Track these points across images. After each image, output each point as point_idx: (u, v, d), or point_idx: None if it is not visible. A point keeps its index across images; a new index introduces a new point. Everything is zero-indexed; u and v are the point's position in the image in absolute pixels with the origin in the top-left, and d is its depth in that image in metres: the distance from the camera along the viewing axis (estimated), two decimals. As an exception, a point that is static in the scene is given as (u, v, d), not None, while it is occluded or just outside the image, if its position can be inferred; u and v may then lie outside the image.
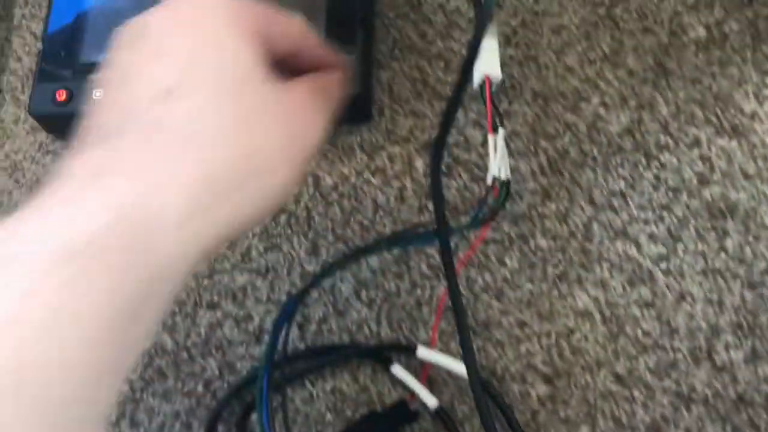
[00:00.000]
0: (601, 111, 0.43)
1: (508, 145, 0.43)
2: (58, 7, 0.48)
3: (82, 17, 0.47)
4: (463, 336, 0.39)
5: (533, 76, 0.45)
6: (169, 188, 0.23)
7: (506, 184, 0.36)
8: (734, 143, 0.42)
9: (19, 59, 0.53)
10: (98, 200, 0.22)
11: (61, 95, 0.44)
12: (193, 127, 0.25)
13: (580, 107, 0.44)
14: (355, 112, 0.44)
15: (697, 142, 0.42)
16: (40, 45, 0.51)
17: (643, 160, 0.42)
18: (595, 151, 0.43)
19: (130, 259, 0.22)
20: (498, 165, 0.36)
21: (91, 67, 0.46)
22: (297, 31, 0.30)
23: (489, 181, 0.36)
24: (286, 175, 0.27)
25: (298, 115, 0.28)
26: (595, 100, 0.44)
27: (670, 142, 0.42)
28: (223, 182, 0.25)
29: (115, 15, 0.47)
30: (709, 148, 0.42)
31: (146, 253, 0.22)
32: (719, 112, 0.42)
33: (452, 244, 0.41)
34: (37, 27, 0.53)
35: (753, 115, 0.42)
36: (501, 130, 0.37)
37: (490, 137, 0.37)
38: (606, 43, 0.45)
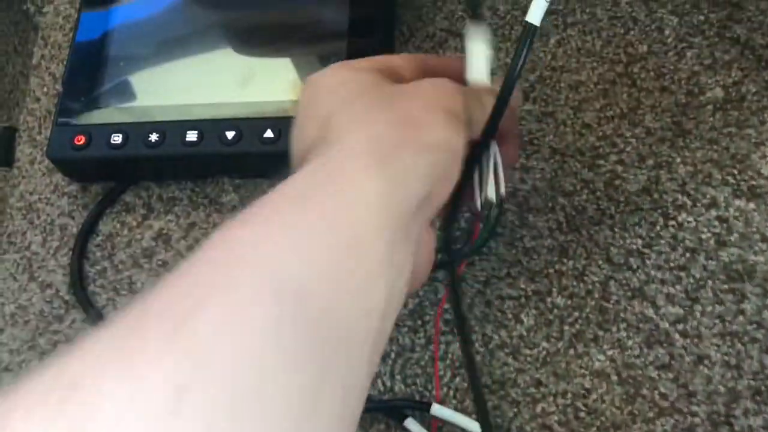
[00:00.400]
0: (619, 169, 0.43)
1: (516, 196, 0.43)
2: (79, 52, 0.48)
3: (103, 63, 0.47)
4: (477, 394, 0.39)
5: (551, 133, 0.45)
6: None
7: (497, 206, 0.34)
8: (752, 205, 0.42)
9: (38, 99, 0.53)
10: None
11: (80, 140, 0.45)
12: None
13: (598, 164, 0.44)
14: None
15: (714, 203, 0.42)
16: (59, 87, 0.51)
17: (661, 220, 0.42)
18: (613, 209, 0.43)
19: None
20: (489, 185, 0.34)
21: (110, 113, 0.46)
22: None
23: (478, 204, 0.34)
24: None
25: None
26: (613, 157, 0.44)
27: (688, 202, 0.42)
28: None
29: (134, 62, 0.48)
30: (727, 210, 0.42)
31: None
32: (736, 173, 0.42)
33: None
34: (57, 68, 0.53)
35: (770, 178, 0.42)
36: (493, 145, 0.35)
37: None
38: (623, 101, 0.45)
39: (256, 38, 0.49)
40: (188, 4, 0.50)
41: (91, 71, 0.47)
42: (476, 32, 0.34)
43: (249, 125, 0.44)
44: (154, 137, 0.44)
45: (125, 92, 0.47)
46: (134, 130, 0.45)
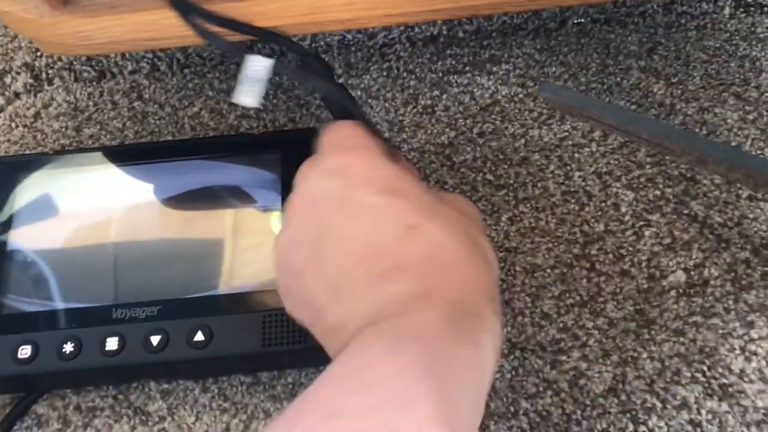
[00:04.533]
0: (583, 366, 0.40)
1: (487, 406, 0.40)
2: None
3: (5, 256, 0.42)
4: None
5: (509, 324, 0.42)
6: None
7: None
8: (724, 406, 0.39)
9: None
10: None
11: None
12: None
13: (560, 361, 0.41)
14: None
15: (685, 404, 0.39)
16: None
17: (630, 426, 0.39)
18: (579, 414, 0.39)
19: None
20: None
21: (16, 319, 0.41)
22: None
23: None
24: None
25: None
26: (576, 353, 0.41)
27: (657, 403, 0.39)
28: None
29: (43, 255, 0.43)
30: (699, 412, 0.39)
31: None
32: (706, 370, 0.40)
33: None
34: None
35: (741, 374, 0.40)
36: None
37: None
38: (583, 287, 0.42)
39: (187, 202, 0.45)
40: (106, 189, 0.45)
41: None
42: None
43: (176, 328, 0.40)
44: (68, 348, 0.40)
45: (33, 292, 0.42)
46: (45, 340, 0.40)
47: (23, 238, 0.43)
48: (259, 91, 0.34)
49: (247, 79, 0.33)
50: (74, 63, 0.52)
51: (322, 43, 0.52)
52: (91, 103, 0.51)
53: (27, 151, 0.50)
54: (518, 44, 0.51)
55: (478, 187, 0.46)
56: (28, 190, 0.45)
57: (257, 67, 0.33)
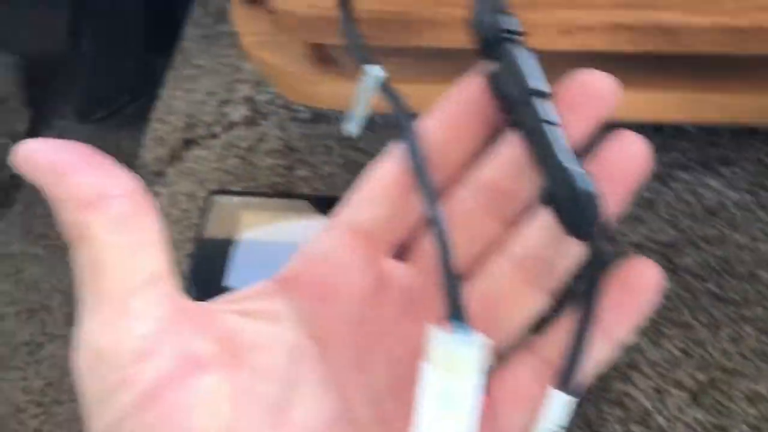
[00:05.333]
0: None
1: None
2: (197, 278, 0.44)
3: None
4: None
5: (723, 453, 0.40)
6: None
7: None
8: None
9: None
10: None
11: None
12: None
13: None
14: None
15: None
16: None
17: None
18: None
19: None
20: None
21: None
22: None
23: None
24: None
25: None
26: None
27: None
28: None
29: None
30: None
31: None
32: None
33: None
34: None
35: None
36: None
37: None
38: (809, 427, 0.40)
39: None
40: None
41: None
42: None
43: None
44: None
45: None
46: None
47: (237, 278, 0.44)
48: (361, 115, 0.32)
49: (359, 96, 0.32)
50: (293, 103, 0.53)
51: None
52: (304, 144, 0.52)
53: (240, 183, 0.51)
54: (752, 147, 0.49)
55: (698, 296, 0.44)
56: (248, 229, 0.46)
57: (370, 82, 0.31)
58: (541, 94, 0.27)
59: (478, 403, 0.26)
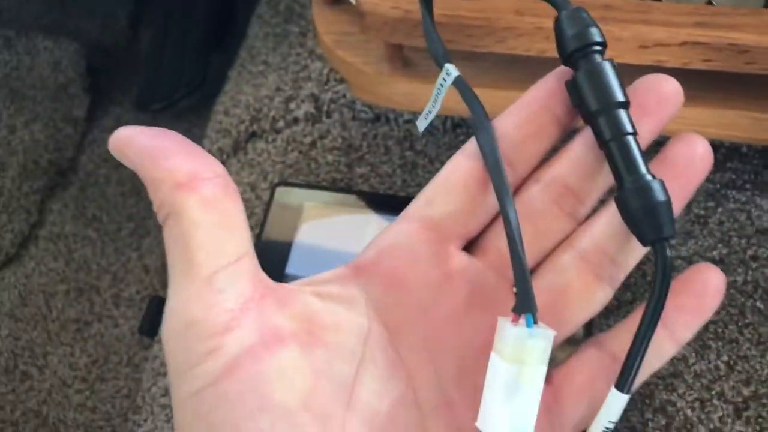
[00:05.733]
0: None
1: None
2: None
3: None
4: None
5: (764, 466, 0.40)
6: None
7: None
8: None
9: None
10: None
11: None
12: None
13: None
14: None
15: None
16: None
17: None
18: None
19: None
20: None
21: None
22: None
23: None
24: None
25: None
26: None
27: None
28: None
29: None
30: None
31: None
32: None
33: None
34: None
35: None
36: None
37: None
38: None
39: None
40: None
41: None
42: None
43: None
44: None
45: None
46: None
47: (297, 266, 0.46)
48: (432, 112, 0.33)
49: (434, 94, 0.33)
50: (355, 102, 0.55)
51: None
52: (365, 143, 0.54)
53: (300, 177, 0.53)
54: (805, 171, 0.50)
55: (746, 313, 0.45)
56: (309, 220, 0.47)
57: (444, 80, 0.32)
58: (622, 105, 0.29)
59: (540, 393, 0.27)
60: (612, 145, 0.29)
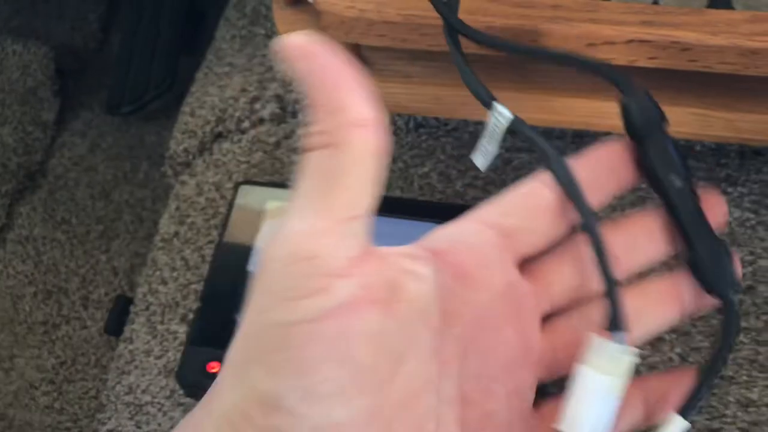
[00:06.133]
0: None
1: None
2: (223, 261, 0.46)
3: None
4: None
5: (714, 454, 0.41)
6: None
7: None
8: None
9: (164, 282, 0.51)
10: None
11: (213, 367, 0.42)
12: None
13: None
14: None
15: None
16: (191, 276, 0.50)
17: None
18: None
19: None
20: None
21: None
22: None
23: None
24: None
25: None
26: (783, 501, 0.40)
27: None
28: None
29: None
30: None
31: None
32: None
33: None
34: (191, 255, 0.51)
35: None
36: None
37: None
38: (798, 434, 0.42)
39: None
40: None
41: (235, 288, 0.45)
42: None
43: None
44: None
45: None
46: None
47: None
48: (491, 151, 0.34)
49: (487, 133, 0.33)
50: (320, 102, 0.56)
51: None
52: (329, 143, 0.54)
53: (265, 177, 0.53)
54: (756, 170, 0.51)
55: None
56: (271, 218, 0.48)
57: (499, 121, 0.32)
58: (688, 177, 0.32)
59: (618, 404, 0.30)
60: (680, 210, 0.32)
